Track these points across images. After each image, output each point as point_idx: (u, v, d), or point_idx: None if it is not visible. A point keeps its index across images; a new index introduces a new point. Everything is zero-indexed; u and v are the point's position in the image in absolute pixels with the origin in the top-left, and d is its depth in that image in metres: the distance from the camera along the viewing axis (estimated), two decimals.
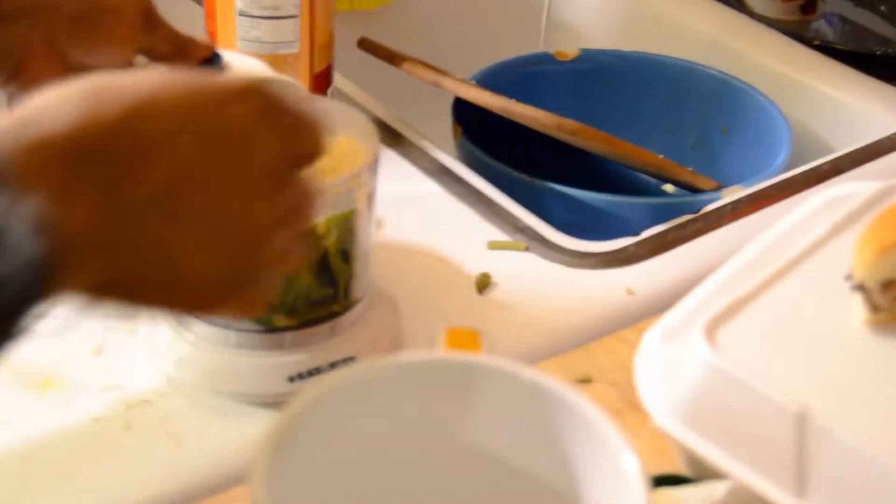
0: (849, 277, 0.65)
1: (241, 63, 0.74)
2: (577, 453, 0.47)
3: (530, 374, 0.48)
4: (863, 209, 0.71)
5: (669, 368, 0.63)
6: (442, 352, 0.50)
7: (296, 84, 0.74)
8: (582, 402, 0.47)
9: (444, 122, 1.09)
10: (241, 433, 0.71)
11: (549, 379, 0.48)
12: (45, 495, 0.67)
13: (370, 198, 0.70)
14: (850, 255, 0.66)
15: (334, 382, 0.47)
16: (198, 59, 0.72)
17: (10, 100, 0.68)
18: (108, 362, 0.75)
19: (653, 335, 0.66)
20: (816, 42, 1.19)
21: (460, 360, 0.49)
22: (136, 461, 0.69)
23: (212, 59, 0.72)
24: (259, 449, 0.44)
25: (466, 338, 0.50)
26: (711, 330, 0.62)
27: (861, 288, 0.64)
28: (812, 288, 0.66)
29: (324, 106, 0.73)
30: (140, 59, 0.72)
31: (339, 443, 0.49)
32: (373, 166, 0.69)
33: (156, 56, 0.71)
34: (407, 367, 0.48)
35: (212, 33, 0.94)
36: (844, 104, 1.13)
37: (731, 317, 0.63)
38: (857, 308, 0.64)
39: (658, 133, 1.18)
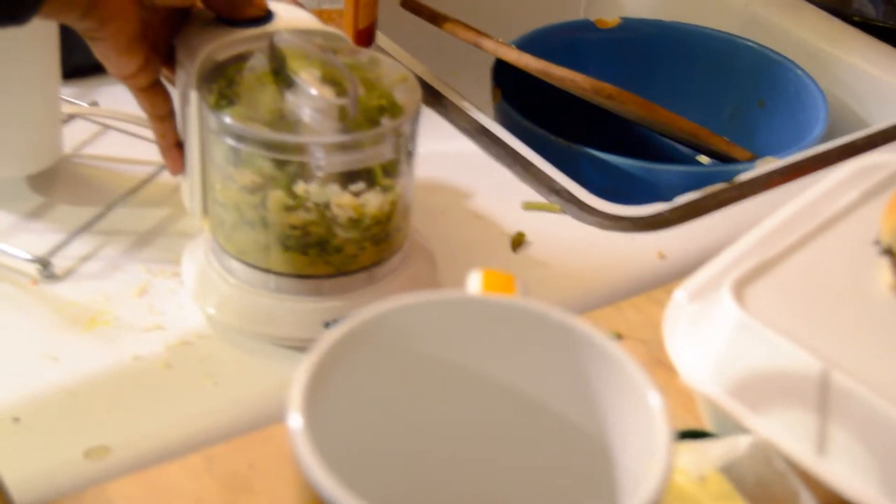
0: (877, 242, 0.67)
1: (290, 15, 0.75)
2: (603, 393, 0.49)
3: (559, 315, 0.50)
4: (892, 178, 0.72)
5: (697, 325, 0.65)
6: (474, 291, 0.52)
7: (342, 36, 0.75)
8: (608, 343, 0.49)
9: (484, 85, 1.10)
10: (277, 375, 0.73)
11: (578, 320, 0.49)
12: (88, 428, 0.69)
13: (411, 149, 0.72)
14: (878, 221, 0.68)
15: (368, 316, 0.49)
16: (248, 17, 0.74)
17: (85, 35, 0.71)
18: (150, 304, 0.78)
19: (681, 293, 0.68)
20: (856, 18, 1.19)
21: (492, 300, 0.51)
22: (175, 399, 0.71)
23: (263, 18, 0.74)
24: (296, 380, 0.46)
25: (501, 280, 0.52)
26: (739, 289, 0.64)
27: (888, 252, 0.65)
28: (840, 251, 0.67)
29: (368, 57, 0.74)
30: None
31: (371, 377, 0.51)
32: (414, 118, 0.71)
33: (213, 6, 0.73)
34: (439, 304, 0.50)
35: None
36: (882, 80, 1.13)
37: (759, 277, 0.65)
38: (883, 272, 0.65)
39: (696, 104, 1.19)
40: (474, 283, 0.53)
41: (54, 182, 0.88)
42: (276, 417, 0.70)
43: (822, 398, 0.60)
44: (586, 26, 1.21)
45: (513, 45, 1.06)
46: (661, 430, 0.44)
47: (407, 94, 0.71)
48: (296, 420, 0.45)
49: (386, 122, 0.69)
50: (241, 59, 0.72)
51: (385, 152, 0.69)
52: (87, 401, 0.71)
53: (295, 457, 0.44)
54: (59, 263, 0.80)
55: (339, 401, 0.49)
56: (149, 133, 0.80)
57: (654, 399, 0.45)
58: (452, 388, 0.53)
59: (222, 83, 0.70)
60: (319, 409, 0.46)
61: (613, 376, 0.48)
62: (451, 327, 0.50)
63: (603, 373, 0.49)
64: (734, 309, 0.63)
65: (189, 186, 0.78)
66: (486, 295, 0.51)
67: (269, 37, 0.72)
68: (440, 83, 1.03)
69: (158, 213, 0.86)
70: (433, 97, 1.01)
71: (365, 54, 0.75)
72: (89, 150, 0.92)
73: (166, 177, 0.87)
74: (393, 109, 0.70)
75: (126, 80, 0.74)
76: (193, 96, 0.72)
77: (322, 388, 0.47)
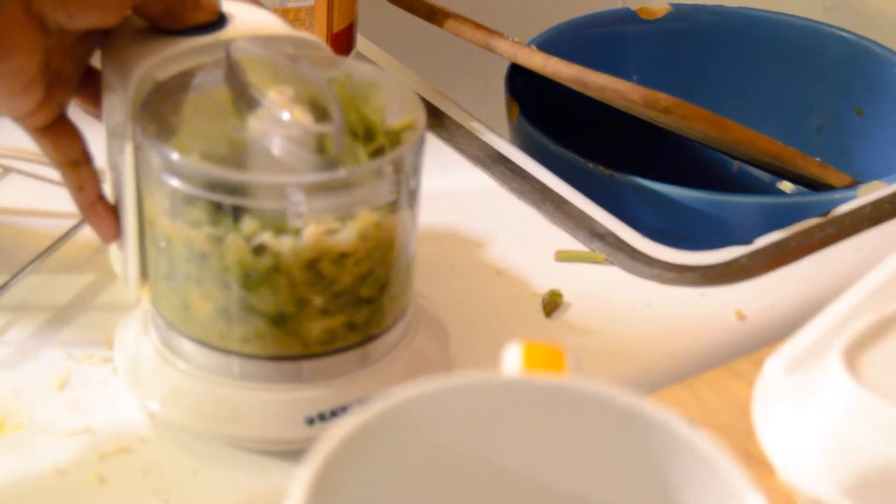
0: None
1: (250, 18, 0.77)
2: (685, 496, 0.51)
3: (628, 398, 0.51)
4: None
5: (797, 405, 0.66)
6: (516, 371, 0.53)
7: (318, 42, 0.77)
8: (693, 433, 0.50)
9: (496, 99, 1.12)
10: (243, 488, 0.74)
11: (652, 405, 0.51)
12: None
13: (413, 187, 0.73)
14: None
15: (384, 407, 0.51)
16: (195, 23, 0.75)
17: None
18: (75, 400, 0.78)
19: (775, 364, 0.69)
20: None
21: (539, 382, 0.52)
22: None
23: (214, 24, 0.76)
24: (294, 491, 0.48)
25: (548, 355, 0.53)
26: (852, 355, 0.65)
27: None
28: None
29: (352, 69, 0.76)
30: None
31: (388, 484, 0.52)
32: (417, 147, 0.72)
33: (147, 15, 0.74)
34: (473, 390, 0.51)
35: None
36: None
37: (876, 340, 0.66)
38: None
39: (773, 114, 1.21)
40: (513, 359, 0.54)
41: None
42: None
43: None
44: (627, 17, 1.23)
45: (533, 46, 1.08)
46: None
47: (407, 116, 0.73)
48: None
49: (382, 153, 0.71)
50: (189, 76, 0.74)
51: (381, 193, 0.71)
52: None
53: None
54: None
55: None
56: None
57: None
58: (491, 494, 0.54)
59: (166, 109, 0.72)
60: None
61: (699, 475, 0.50)
62: (489, 418, 0.51)
63: (685, 471, 0.50)
64: (847, 381, 0.64)
65: (121, 246, 0.79)
66: (530, 375, 0.52)
67: (225, 46, 0.73)
68: (441, 98, 1.05)
69: (80, 280, 0.87)
70: (432, 117, 1.03)
71: (348, 65, 0.76)
72: None
73: (89, 232, 0.88)
74: (390, 136, 0.72)
75: (20, 120, 0.75)
76: (128, 128, 0.73)
77: (328, 499, 0.48)
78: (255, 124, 0.71)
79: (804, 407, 0.66)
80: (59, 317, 0.84)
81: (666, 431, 0.51)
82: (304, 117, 0.70)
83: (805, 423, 0.65)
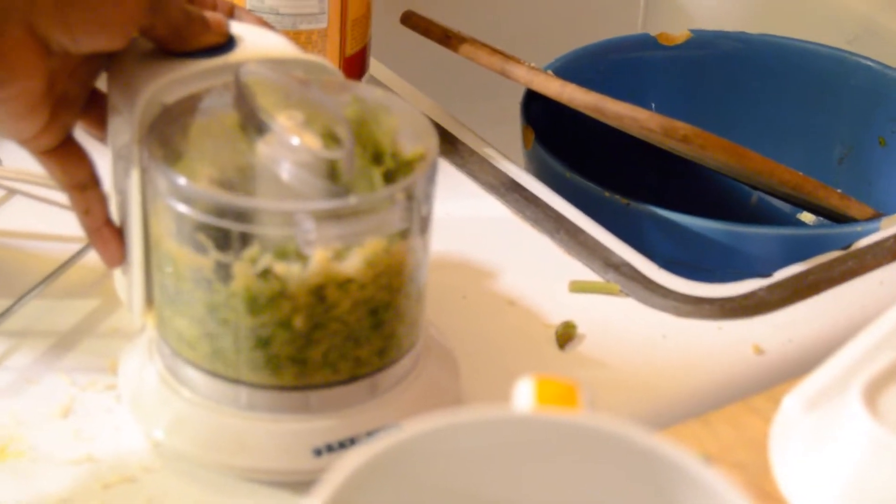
0: None
1: (259, 41, 0.77)
2: None
3: (644, 437, 0.51)
4: None
5: (815, 444, 0.66)
6: (528, 407, 0.53)
7: (329, 66, 0.77)
8: (708, 472, 0.50)
9: (511, 125, 1.12)
10: None
11: (668, 443, 0.51)
12: None
13: (425, 214, 0.74)
14: None
15: (392, 442, 0.50)
16: (204, 46, 0.76)
17: None
18: (78, 428, 0.78)
19: (793, 402, 0.69)
20: None
21: (552, 418, 0.52)
22: None
23: (223, 46, 0.76)
24: None
25: (561, 391, 0.53)
26: (872, 393, 0.65)
27: None
28: None
29: (364, 93, 0.76)
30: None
31: None
32: (430, 175, 0.72)
33: (153, 38, 0.75)
34: (485, 424, 0.51)
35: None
36: None
37: None
38: None
39: (794, 144, 1.21)
40: (525, 394, 0.54)
41: None
42: None
43: None
44: (646, 43, 1.23)
45: (550, 72, 1.08)
46: None
47: (420, 142, 0.73)
48: None
49: (391, 177, 0.71)
50: (197, 100, 0.74)
51: (393, 220, 0.71)
52: None
53: None
54: None
55: None
56: None
57: None
58: None
59: (173, 133, 0.72)
60: None
61: None
62: (500, 455, 0.51)
63: None
64: (867, 421, 0.64)
65: (126, 272, 0.79)
66: (542, 411, 0.52)
67: (234, 70, 0.73)
68: (454, 124, 1.05)
69: (84, 305, 0.87)
70: (446, 143, 1.03)
71: (360, 90, 0.77)
72: None
73: (94, 257, 0.89)
74: (402, 162, 0.72)
75: (25, 143, 0.76)
76: (134, 152, 0.73)
77: None
78: (264, 149, 0.71)
79: (823, 446, 0.66)
80: (63, 343, 0.84)
81: (680, 470, 0.51)
82: (315, 143, 0.70)
83: (823, 462, 0.65)
